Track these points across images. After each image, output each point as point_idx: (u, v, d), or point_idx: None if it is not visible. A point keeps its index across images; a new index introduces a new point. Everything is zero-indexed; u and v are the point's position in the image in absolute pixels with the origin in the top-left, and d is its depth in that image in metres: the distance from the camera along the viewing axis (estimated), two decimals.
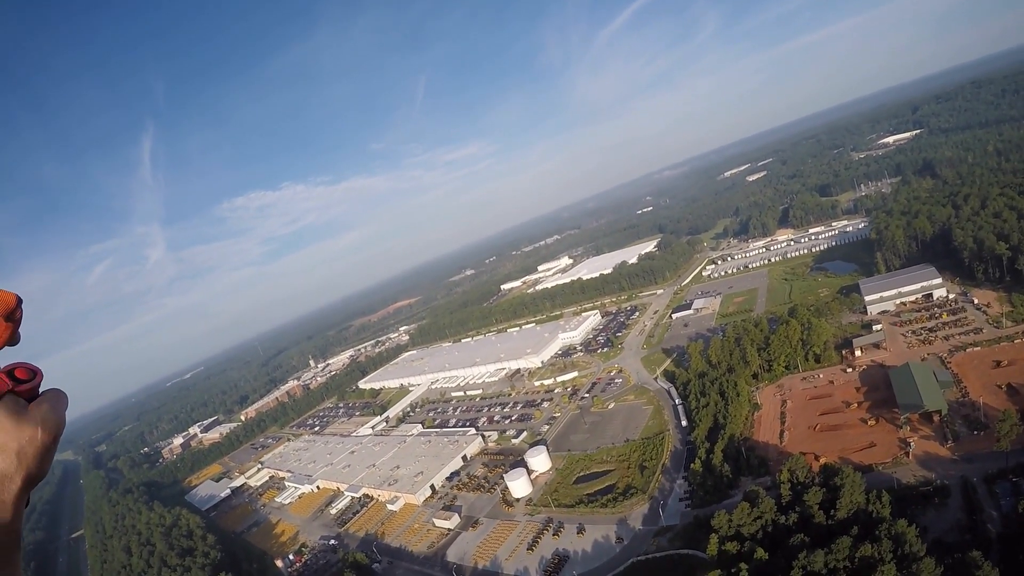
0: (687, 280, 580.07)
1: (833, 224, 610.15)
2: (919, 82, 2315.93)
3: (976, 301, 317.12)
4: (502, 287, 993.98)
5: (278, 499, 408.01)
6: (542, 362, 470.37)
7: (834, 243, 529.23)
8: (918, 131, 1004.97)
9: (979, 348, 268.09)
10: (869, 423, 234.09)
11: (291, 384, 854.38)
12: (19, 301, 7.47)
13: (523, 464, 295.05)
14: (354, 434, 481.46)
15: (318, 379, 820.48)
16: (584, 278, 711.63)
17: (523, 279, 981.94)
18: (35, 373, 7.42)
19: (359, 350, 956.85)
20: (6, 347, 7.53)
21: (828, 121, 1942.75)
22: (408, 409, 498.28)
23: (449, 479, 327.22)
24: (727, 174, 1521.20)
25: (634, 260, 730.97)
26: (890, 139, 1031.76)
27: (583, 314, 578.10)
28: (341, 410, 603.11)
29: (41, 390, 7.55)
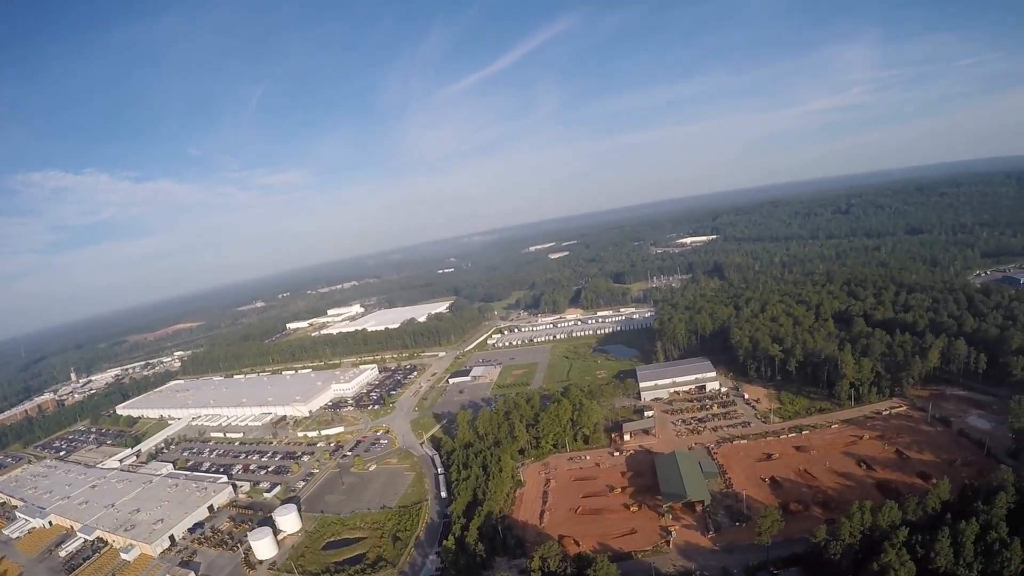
0: (471, 346, 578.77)
1: (621, 310, 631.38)
2: (724, 194, 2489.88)
3: (747, 396, 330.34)
4: (288, 326, 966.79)
5: (6, 531, 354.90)
6: (310, 412, 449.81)
7: (619, 328, 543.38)
8: (714, 236, 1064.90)
9: (746, 441, 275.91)
10: (632, 509, 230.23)
11: (46, 397, 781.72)
12: None
13: (271, 523, 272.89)
14: (100, 465, 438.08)
15: (76, 396, 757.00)
16: (370, 329, 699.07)
17: (310, 321, 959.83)
18: None
19: (127, 370, 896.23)
20: None
21: (636, 215, 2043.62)
22: (162, 445, 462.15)
23: (192, 530, 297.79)
24: (532, 248, 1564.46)
25: (423, 318, 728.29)
26: (688, 240, 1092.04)
27: (361, 366, 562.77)
28: (92, 436, 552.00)
29: None
